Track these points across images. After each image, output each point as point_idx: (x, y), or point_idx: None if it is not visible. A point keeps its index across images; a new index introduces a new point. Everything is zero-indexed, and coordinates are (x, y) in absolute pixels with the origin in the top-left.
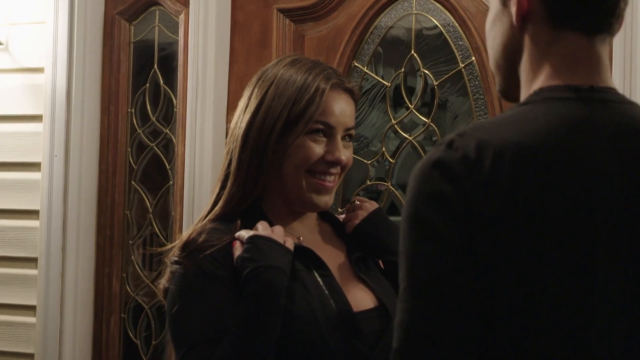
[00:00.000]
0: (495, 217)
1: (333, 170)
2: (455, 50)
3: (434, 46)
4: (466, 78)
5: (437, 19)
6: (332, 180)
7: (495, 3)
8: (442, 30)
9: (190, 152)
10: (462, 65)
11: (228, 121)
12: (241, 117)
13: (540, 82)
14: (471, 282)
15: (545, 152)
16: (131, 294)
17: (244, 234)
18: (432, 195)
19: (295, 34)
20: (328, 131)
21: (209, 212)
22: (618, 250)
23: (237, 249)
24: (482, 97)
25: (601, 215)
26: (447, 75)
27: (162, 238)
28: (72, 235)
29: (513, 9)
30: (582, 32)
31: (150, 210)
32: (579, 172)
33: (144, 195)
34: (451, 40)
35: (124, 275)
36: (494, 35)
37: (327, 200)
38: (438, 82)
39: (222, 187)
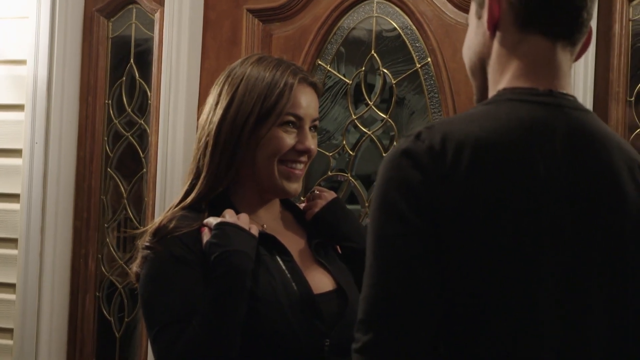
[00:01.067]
0: (455, 204)
1: (302, 159)
2: (413, 52)
3: (392, 47)
4: (422, 77)
5: (396, 21)
6: (301, 169)
7: (472, 17)
8: (401, 32)
9: (163, 142)
10: (418, 65)
11: (199, 114)
12: (212, 113)
13: (504, 82)
14: (433, 262)
15: (501, 147)
16: (106, 274)
17: (212, 220)
18: (399, 181)
19: (263, 32)
20: (297, 122)
21: (180, 201)
22: (562, 240)
23: (206, 235)
24: (436, 95)
25: (548, 209)
26: (405, 75)
27: (135, 222)
28: (51, 218)
29: (485, 17)
30: (545, 36)
31: (125, 195)
32: (531, 168)
33: (119, 182)
34: (409, 42)
35: (99, 256)
36: (469, 45)
37: (296, 187)
38: (396, 80)
39: (195, 178)
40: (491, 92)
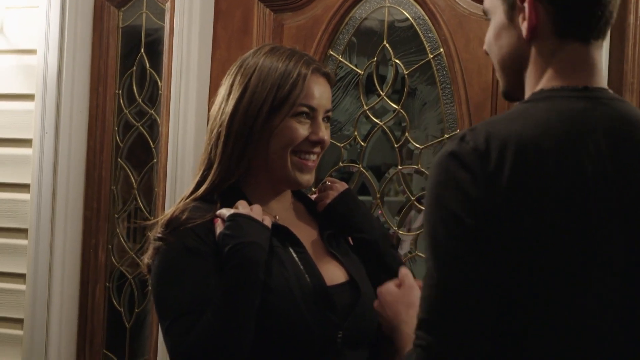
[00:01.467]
0: (503, 201)
1: (316, 150)
2: (425, 42)
3: (404, 37)
4: (434, 68)
5: (409, 12)
6: (314, 160)
7: (500, 17)
8: (413, 22)
9: (173, 132)
10: (430, 56)
11: (210, 104)
12: (224, 104)
13: (542, 84)
14: (488, 261)
15: (544, 142)
16: (116, 264)
17: (225, 212)
18: (449, 183)
19: (274, 22)
20: (311, 113)
21: (192, 192)
22: (610, 231)
23: (219, 226)
24: (449, 86)
25: (597, 203)
26: (417, 65)
27: (145, 212)
28: (61, 208)
29: (523, 24)
30: (581, 41)
31: (135, 186)
32: (574, 159)
33: (129, 172)
34: (421, 32)
35: (110, 246)
36: (500, 45)
37: (309, 178)
38: (408, 71)
39: (207, 169)
40: (527, 93)
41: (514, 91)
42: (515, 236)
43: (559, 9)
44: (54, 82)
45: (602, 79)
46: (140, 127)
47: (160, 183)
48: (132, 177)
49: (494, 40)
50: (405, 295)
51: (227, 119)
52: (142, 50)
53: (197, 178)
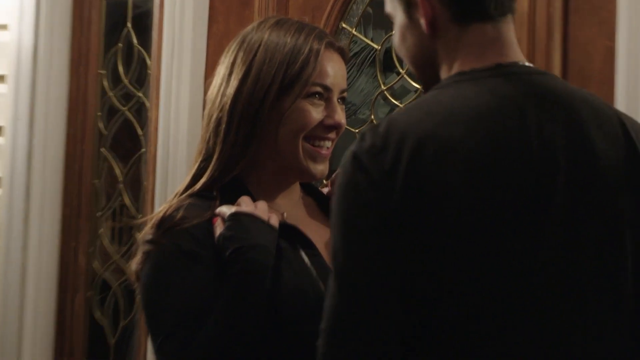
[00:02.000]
0: (400, 202)
1: (331, 135)
2: None
3: None
4: None
5: None
6: (329, 147)
7: (401, 17)
8: None
9: (164, 117)
10: None
11: (206, 85)
12: (224, 85)
13: (455, 70)
14: (389, 265)
15: (445, 130)
16: (98, 270)
17: (226, 210)
18: (347, 186)
19: None
20: (325, 94)
21: (187, 187)
22: (539, 229)
23: (219, 226)
24: None
25: (511, 193)
26: None
27: (133, 210)
28: (36, 205)
29: (421, 19)
30: (484, 22)
31: (121, 179)
32: (484, 147)
33: (114, 164)
34: None
35: (91, 249)
36: (407, 46)
37: (322, 169)
38: None
39: (205, 160)
40: None
41: (432, 85)
42: (418, 239)
43: None
44: (29, 62)
45: (518, 53)
46: (127, 112)
47: (149, 176)
48: (117, 170)
49: (400, 42)
50: None
51: (228, 101)
52: (129, 24)
53: (194, 171)
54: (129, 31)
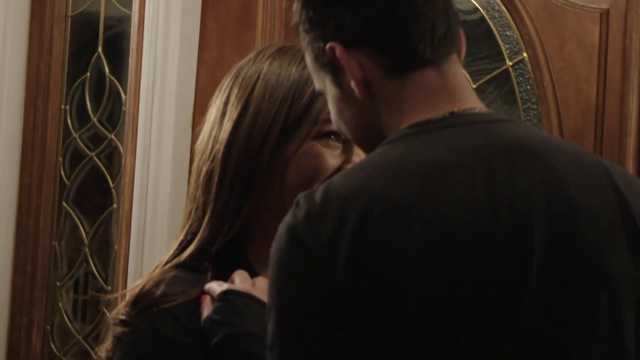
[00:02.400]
0: (344, 278)
1: None
2: (501, 43)
3: (473, 36)
4: (514, 80)
5: (478, 0)
6: None
7: (331, 90)
8: (485, 15)
9: (142, 165)
10: (509, 63)
11: (195, 125)
12: (216, 129)
13: (403, 125)
14: (329, 350)
15: (395, 192)
16: (56, 353)
17: (216, 287)
18: (282, 263)
19: (287, 12)
20: (342, 134)
21: (173, 257)
22: (503, 302)
23: (207, 307)
24: (534, 106)
25: (468, 261)
26: (490, 76)
27: (100, 280)
28: None
29: (353, 85)
30: (425, 67)
31: (86, 242)
32: (438, 210)
33: (78, 222)
34: (496, 29)
35: (48, 327)
36: (346, 119)
37: None
38: (477, 83)
39: (194, 223)
40: None
41: None
42: (367, 323)
43: (378, 48)
44: None
45: (473, 98)
46: (95, 158)
47: (122, 239)
48: (82, 229)
49: (338, 117)
50: None
51: (221, 149)
52: (100, 49)
53: (180, 236)
54: (99, 57)
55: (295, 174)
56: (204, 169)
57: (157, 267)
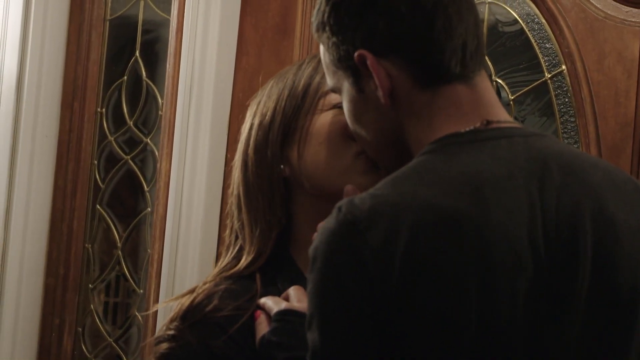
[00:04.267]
0: (400, 288)
1: None
2: (540, 55)
3: (512, 48)
4: (552, 93)
5: (519, 11)
6: None
7: (350, 92)
8: (524, 26)
9: (177, 170)
10: (548, 75)
11: (231, 131)
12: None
13: (435, 135)
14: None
15: (447, 204)
16: (87, 354)
17: (272, 304)
18: (326, 273)
19: None
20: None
21: (225, 268)
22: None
23: (262, 324)
24: (572, 119)
25: (517, 278)
26: (528, 88)
27: (132, 283)
28: (13, 273)
29: (379, 94)
30: (455, 82)
31: (119, 244)
32: (490, 225)
33: (111, 224)
34: (535, 41)
35: (80, 329)
36: (366, 125)
37: None
38: (515, 95)
39: (237, 240)
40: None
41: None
42: (419, 333)
43: (410, 60)
44: (11, 93)
45: (503, 112)
46: (130, 162)
47: (155, 242)
48: (115, 232)
49: (355, 122)
50: None
51: (236, 173)
52: (137, 53)
53: (232, 251)
54: (137, 61)
55: (314, 152)
56: (233, 190)
57: (210, 278)
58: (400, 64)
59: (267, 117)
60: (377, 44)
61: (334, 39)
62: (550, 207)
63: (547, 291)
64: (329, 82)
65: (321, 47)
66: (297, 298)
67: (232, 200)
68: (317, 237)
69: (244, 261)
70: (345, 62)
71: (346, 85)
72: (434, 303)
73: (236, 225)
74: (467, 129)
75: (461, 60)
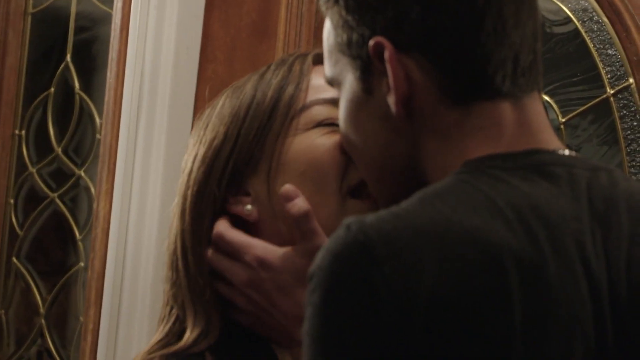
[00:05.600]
0: (422, 334)
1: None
2: (601, 65)
3: (564, 55)
4: (616, 114)
5: (572, 6)
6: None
7: (352, 89)
8: (580, 27)
9: (121, 213)
10: (610, 91)
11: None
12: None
13: (467, 156)
14: None
15: (491, 240)
16: None
17: None
18: (331, 309)
19: (318, 14)
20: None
21: (163, 343)
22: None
23: None
24: None
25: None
26: (584, 107)
27: None
28: None
29: (391, 96)
30: (499, 99)
31: (42, 310)
32: (533, 275)
33: (32, 284)
34: (593, 45)
35: None
36: (366, 134)
37: None
38: (567, 117)
39: (175, 300)
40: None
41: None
42: None
43: (442, 64)
44: None
45: (555, 140)
46: (58, 201)
47: (90, 308)
48: (37, 295)
49: (351, 127)
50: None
51: (176, 225)
52: (68, 58)
53: (168, 325)
54: (67, 68)
55: (281, 185)
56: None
57: (144, 352)
58: (427, 67)
59: (214, 145)
60: (403, 35)
61: (348, 18)
62: (618, 262)
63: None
64: (328, 70)
65: (326, 24)
66: None
67: (168, 260)
68: (315, 262)
69: (188, 337)
70: (355, 50)
71: (349, 79)
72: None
73: (170, 293)
74: (518, 150)
75: (511, 76)
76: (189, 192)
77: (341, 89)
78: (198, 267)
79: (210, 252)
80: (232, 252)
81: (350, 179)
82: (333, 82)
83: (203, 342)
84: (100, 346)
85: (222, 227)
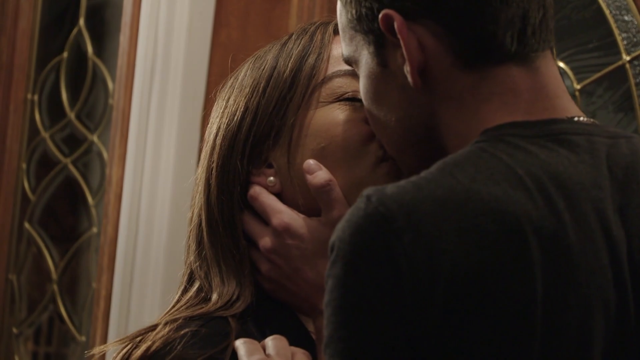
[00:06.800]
0: (443, 306)
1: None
2: (617, 31)
3: (579, 21)
4: (632, 80)
5: None
6: None
7: (369, 64)
8: None
9: (133, 178)
10: (626, 57)
11: (205, 125)
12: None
13: (485, 125)
14: None
15: (510, 210)
16: None
17: (243, 354)
18: (352, 284)
19: None
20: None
21: (191, 302)
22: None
23: None
24: None
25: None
26: (600, 74)
27: (71, 327)
28: None
29: (406, 67)
30: (511, 62)
31: (54, 276)
32: (555, 245)
33: (44, 249)
34: (610, 12)
35: None
36: (387, 107)
37: None
38: (582, 84)
39: (199, 271)
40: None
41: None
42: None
43: (452, 29)
44: None
45: (572, 104)
46: (71, 166)
47: (103, 274)
48: (49, 260)
49: (374, 103)
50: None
51: (200, 198)
52: (81, 22)
53: (190, 294)
54: (80, 33)
55: (312, 157)
56: (195, 207)
57: (166, 313)
58: (438, 32)
59: (236, 118)
60: (410, 2)
61: None
62: (638, 230)
63: (631, 339)
64: (344, 49)
65: (339, 3)
66: (275, 350)
67: (191, 231)
68: (335, 233)
69: (216, 302)
70: (366, 24)
71: (365, 56)
72: (485, 341)
73: (194, 265)
74: (536, 119)
75: (519, 35)
76: (214, 165)
77: (359, 66)
78: (232, 238)
79: (245, 214)
80: (262, 214)
81: (377, 148)
82: (350, 61)
83: (234, 306)
84: (112, 312)
85: (258, 189)
